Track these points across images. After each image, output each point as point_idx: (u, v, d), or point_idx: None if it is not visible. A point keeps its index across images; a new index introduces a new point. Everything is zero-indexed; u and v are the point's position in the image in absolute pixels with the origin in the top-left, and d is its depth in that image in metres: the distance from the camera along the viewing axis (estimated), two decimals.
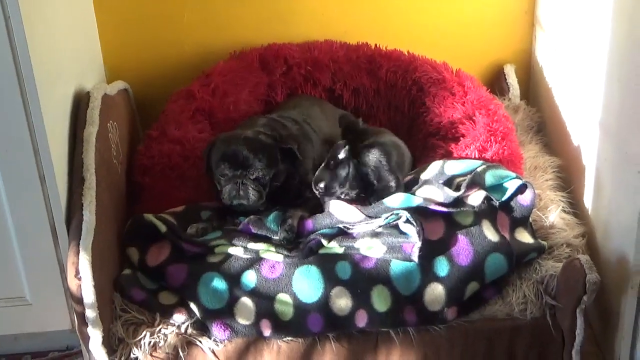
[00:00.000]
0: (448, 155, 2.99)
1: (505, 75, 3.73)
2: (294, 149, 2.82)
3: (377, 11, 3.68)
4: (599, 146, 2.83)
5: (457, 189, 2.69)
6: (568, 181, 3.14)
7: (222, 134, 2.91)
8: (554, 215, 2.88)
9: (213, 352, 2.58)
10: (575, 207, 3.02)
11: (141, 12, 3.59)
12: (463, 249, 2.60)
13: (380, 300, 2.56)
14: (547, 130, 3.55)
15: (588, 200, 2.96)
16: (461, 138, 3.07)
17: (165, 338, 2.57)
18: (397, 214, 2.63)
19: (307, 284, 2.57)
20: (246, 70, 3.47)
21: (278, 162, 2.80)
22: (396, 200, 2.71)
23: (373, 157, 2.83)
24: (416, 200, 2.67)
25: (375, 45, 3.58)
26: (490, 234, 2.63)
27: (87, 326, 2.48)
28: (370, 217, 2.70)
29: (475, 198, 2.67)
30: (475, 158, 2.92)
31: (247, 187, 2.75)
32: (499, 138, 2.98)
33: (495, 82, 3.76)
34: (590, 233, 2.89)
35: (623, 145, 2.62)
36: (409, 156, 3.05)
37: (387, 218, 2.65)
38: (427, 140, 3.22)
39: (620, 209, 2.67)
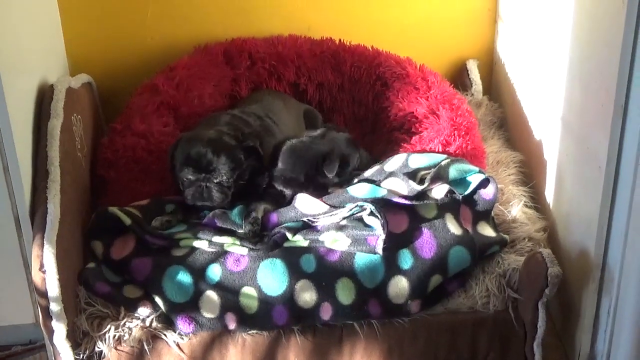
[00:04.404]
0: (412, 149, 3.00)
1: (468, 70, 3.75)
2: (257, 146, 2.82)
3: (341, 6, 3.69)
4: (561, 142, 2.86)
5: (421, 182, 2.71)
6: (530, 176, 3.17)
7: (185, 134, 2.90)
8: (516, 209, 2.91)
9: (178, 345, 2.57)
10: (536, 201, 3.05)
11: (105, 5, 3.57)
12: (426, 242, 2.61)
13: (345, 293, 2.57)
14: (509, 125, 3.58)
15: (549, 195, 2.99)
16: (425, 132, 3.09)
17: (130, 332, 2.56)
18: (361, 205, 2.64)
19: (271, 277, 2.58)
20: (211, 65, 3.47)
21: (242, 162, 2.79)
22: (361, 190, 2.73)
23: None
24: (381, 191, 2.69)
25: (340, 40, 3.59)
26: (453, 227, 2.65)
27: (51, 320, 2.47)
28: (335, 206, 2.72)
29: (439, 191, 2.69)
30: (438, 152, 2.94)
31: (211, 189, 2.75)
32: (463, 132, 3.00)
33: (458, 78, 3.78)
34: (551, 227, 2.92)
35: (584, 140, 2.64)
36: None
37: (351, 209, 2.66)
38: (391, 135, 3.24)
39: (581, 203, 2.70)
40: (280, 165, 2.86)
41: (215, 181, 2.75)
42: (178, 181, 2.81)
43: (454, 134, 3.00)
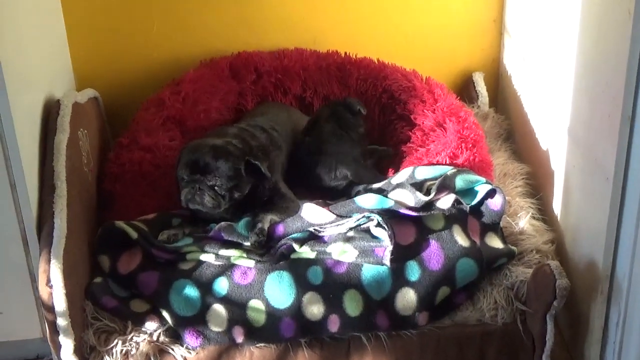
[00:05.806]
0: (419, 162, 3.00)
1: (474, 83, 3.75)
2: (262, 168, 2.78)
3: (346, 19, 3.69)
4: (568, 153, 2.85)
5: (427, 193, 2.71)
6: (537, 188, 3.16)
7: (194, 140, 2.90)
8: (524, 221, 2.90)
9: (185, 359, 2.57)
10: (544, 213, 3.04)
11: (111, 20, 3.58)
12: (434, 253, 2.61)
13: (352, 305, 2.57)
14: (515, 137, 3.57)
15: (557, 207, 2.98)
16: (432, 145, 3.08)
17: (137, 346, 2.56)
18: (369, 216, 2.64)
19: (279, 290, 2.57)
20: (217, 78, 3.47)
21: (241, 175, 2.76)
22: (369, 200, 2.73)
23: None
24: (388, 202, 2.69)
25: (345, 53, 3.60)
26: (461, 239, 2.65)
27: (59, 334, 2.47)
28: (342, 216, 2.72)
29: (445, 201, 2.69)
30: (446, 164, 2.93)
31: (203, 192, 2.72)
32: (470, 145, 3.00)
33: (464, 90, 3.78)
34: (559, 239, 2.91)
35: (591, 152, 2.64)
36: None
37: (358, 220, 2.66)
38: (398, 148, 3.23)
39: (588, 215, 2.69)
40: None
41: (209, 184, 2.73)
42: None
43: (461, 147, 2.99)
